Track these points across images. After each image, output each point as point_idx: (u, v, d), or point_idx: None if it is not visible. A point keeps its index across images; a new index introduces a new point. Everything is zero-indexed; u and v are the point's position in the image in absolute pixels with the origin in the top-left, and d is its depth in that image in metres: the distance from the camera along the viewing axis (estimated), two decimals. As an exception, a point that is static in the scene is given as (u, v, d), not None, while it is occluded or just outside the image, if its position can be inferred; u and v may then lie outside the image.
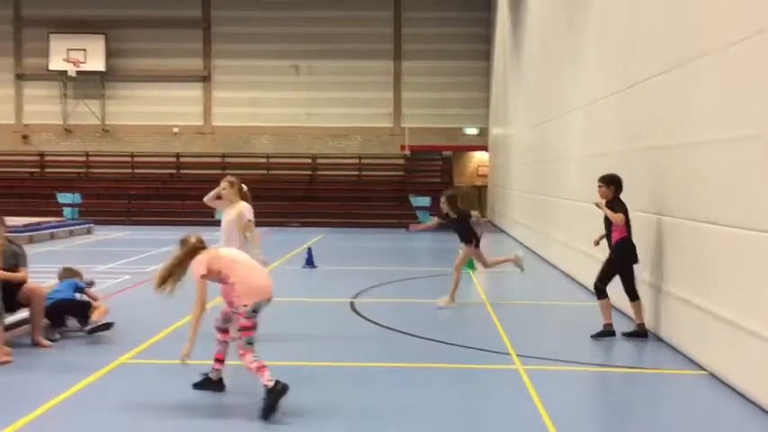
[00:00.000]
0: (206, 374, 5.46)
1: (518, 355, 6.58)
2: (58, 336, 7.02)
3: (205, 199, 7.38)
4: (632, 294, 7.35)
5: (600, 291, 7.36)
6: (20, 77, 26.82)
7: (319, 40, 26.30)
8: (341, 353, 6.73)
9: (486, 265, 9.54)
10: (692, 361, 6.34)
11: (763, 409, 5.06)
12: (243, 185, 7.19)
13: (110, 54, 26.19)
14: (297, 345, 7.04)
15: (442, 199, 9.49)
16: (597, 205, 7.48)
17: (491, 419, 5.04)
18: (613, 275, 7.35)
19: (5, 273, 6.57)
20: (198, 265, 5.10)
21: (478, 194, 28.61)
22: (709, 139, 6.11)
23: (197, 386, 5.45)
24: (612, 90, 9.12)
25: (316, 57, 26.41)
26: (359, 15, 26.29)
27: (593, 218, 9.96)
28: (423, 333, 7.46)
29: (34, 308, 6.76)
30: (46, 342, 6.78)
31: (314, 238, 18.29)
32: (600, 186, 7.50)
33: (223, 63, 26.61)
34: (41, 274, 8.71)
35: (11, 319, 7.06)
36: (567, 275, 11.50)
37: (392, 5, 26.58)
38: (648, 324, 7.46)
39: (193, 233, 5.35)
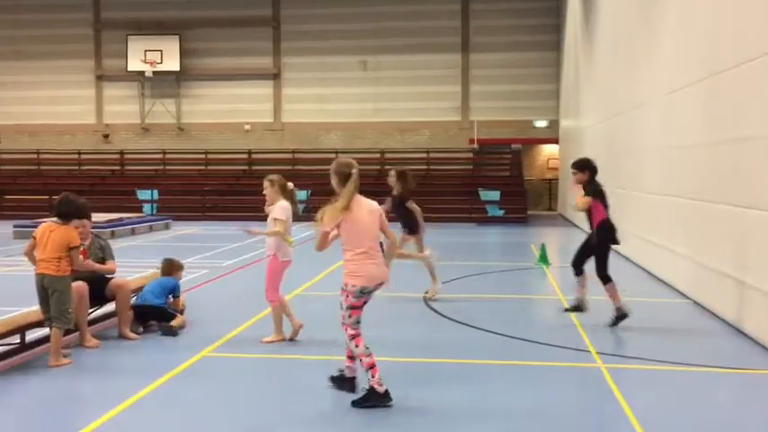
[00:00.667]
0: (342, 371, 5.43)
1: (598, 353, 6.46)
2: (141, 329, 7.27)
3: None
4: (605, 277, 7.35)
5: (604, 277, 7.36)
6: (100, 78, 27.91)
7: (386, 35, 26.38)
8: (419, 350, 6.75)
9: (405, 256, 9.11)
10: (783, 361, 6.09)
11: None
12: (288, 183, 7.03)
13: (184, 54, 26.96)
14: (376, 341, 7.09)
15: (392, 172, 9.42)
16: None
17: (576, 418, 4.96)
18: (607, 257, 7.37)
19: (96, 264, 6.87)
20: (334, 213, 5.10)
21: (549, 188, 28.18)
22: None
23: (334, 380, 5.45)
24: (693, 80, 8.82)
25: (383, 52, 26.50)
26: (426, 9, 26.23)
27: (674, 212, 9.70)
28: (500, 330, 7.40)
29: (121, 302, 7.03)
30: (132, 334, 7.04)
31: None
32: (574, 173, 7.52)
33: (292, 60, 27.02)
34: (125, 268, 9.05)
35: (99, 311, 7.40)
36: (646, 271, 11.20)
37: (460, -2, 26.41)
38: (732, 317, 7.21)
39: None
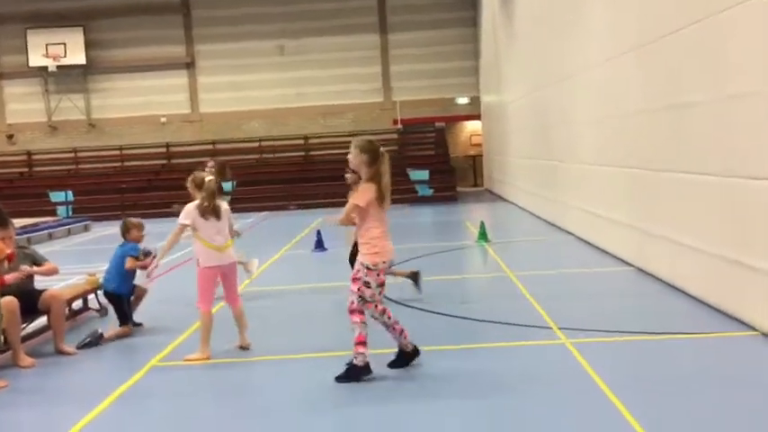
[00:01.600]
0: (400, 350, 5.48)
1: (560, 328, 6.40)
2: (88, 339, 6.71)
3: None
4: None
5: None
6: (0, 76, 26.20)
7: (303, 18, 25.83)
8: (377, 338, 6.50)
9: None
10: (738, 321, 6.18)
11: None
12: (199, 176, 6.33)
13: (89, 46, 25.63)
14: (331, 333, 6.81)
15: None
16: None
17: (551, 397, 4.84)
18: None
19: (35, 268, 6.41)
20: (368, 191, 5.20)
21: (473, 164, 28.39)
22: (746, 91, 5.87)
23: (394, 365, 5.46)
24: (627, 48, 8.86)
25: (300, 35, 25.95)
26: (342, -10, 25.81)
27: (611, 181, 9.78)
28: (453, 311, 7.25)
29: (56, 314, 6.48)
30: (70, 349, 6.52)
31: (315, 220, 18.02)
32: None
33: (206, 48, 26.12)
34: (51, 277, 8.39)
35: (32, 326, 6.82)
36: (586, 241, 11.32)
37: (375, -22, 26.10)
38: (676, 281, 7.31)
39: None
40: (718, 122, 6.48)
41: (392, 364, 5.47)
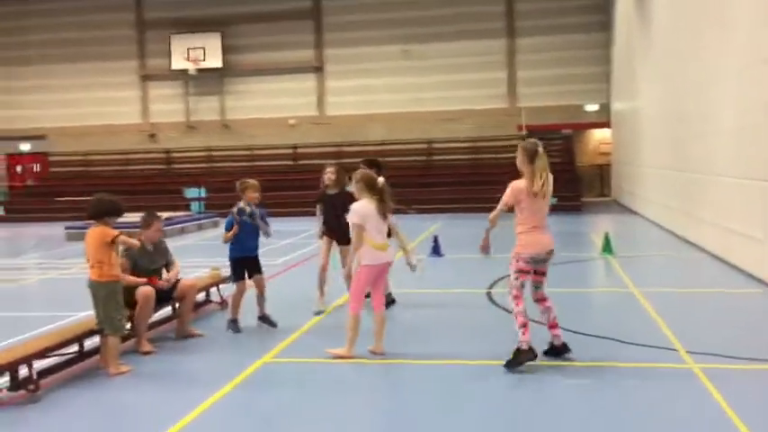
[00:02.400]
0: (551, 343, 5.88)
1: (688, 352, 5.96)
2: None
3: None
4: None
5: None
6: (145, 78, 28.04)
7: (429, 23, 25.89)
8: (488, 350, 6.33)
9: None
10: None
11: None
12: (368, 175, 6.35)
13: (226, 50, 26.91)
14: (444, 341, 6.71)
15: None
16: None
17: (676, 425, 4.50)
18: None
19: (165, 275, 6.77)
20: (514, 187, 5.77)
21: (600, 173, 27.36)
22: None
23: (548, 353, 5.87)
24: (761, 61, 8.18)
25: (426, 40, 26.02)
26: (470, -6, 25.66)
27: (751, 195, 9.06)
28: (574, 327, 6.93)
29: (188, 302, 6.90)
30: (198, 331, 6.89)
31: (433, 225, 18.00)
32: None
33: (334, 52, 26.73)
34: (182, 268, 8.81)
35: (160, 313, 7.18)
36: (720, 259, 10.56)
37: (504, -19, 25.75)
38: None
39: None
40: None
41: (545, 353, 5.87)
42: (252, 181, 7.23)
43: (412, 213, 22.33)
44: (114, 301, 5.79)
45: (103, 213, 5.80)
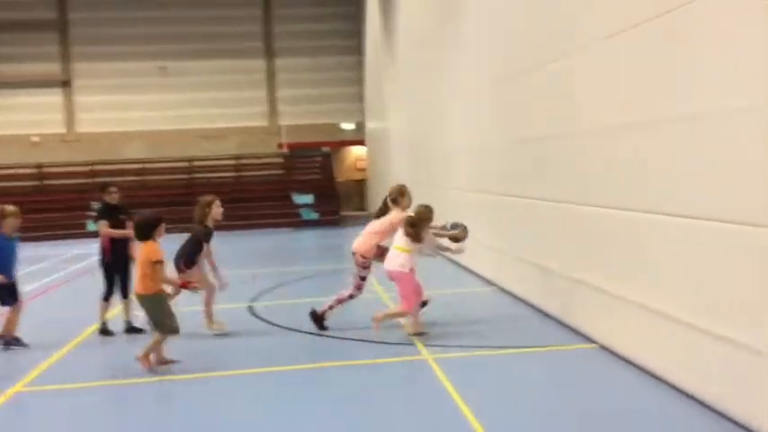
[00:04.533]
0: None
1: (424, 345, 6.77)
2: None
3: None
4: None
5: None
6: None
7: (187, 41, 25.60)
8: (246, 359, 6.65)
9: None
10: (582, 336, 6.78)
11: (649, 373, 5.51)
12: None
13: (-45, 60, 24.26)
14: (206, 355, 6.88)
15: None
16: None
17: (411, 409, 5.17)
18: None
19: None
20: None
21: (359, 188, 28.90)
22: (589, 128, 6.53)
23: None
24: (487, 83, 9.52)
25: (184, 57, 25.69)
26: (228, 14, 25.82)
27: (481, 207, 10.39)
28: (327, 332, 7.50)
29: None
30: None
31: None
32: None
33: (84, 66, 25.32)
34: None
35: None
36: (458, 264, 11.88)
37: (261, 3, 26.29)
38: (536, 301, 7.90)
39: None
40: (567, 155, 7.13)
41: None
42: (11, 208, 7.26)
43: (176, 232, 21.81)
44: (157, 311, 6.30)
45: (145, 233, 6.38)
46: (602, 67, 6.23)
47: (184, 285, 6.88)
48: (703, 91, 4.72)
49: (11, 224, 7.20)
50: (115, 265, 7.82)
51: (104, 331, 7.78)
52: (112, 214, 7.88)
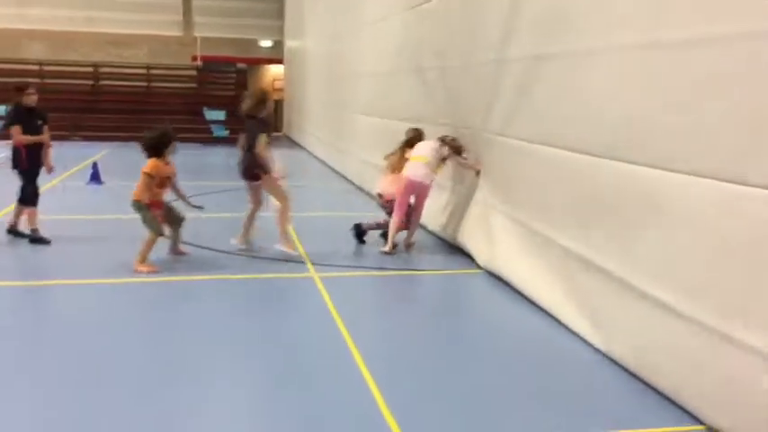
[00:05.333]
0: None
1: (313, 264, 6.90)
2: None
3: None
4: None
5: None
6: None
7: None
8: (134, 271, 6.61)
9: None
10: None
11: (519, 293, 5.85)
12: None
13: None
14: (96, 263, 6.79)
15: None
16: None
17: (289, 321, 5.31)
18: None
19: None
20: None
21: (275, 108, 28.39)
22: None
23: None
24: (400, 8, 9.45)
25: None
26: None
27: (385, 133, 10.45)
28: (225, 248, 7.51)
29: None
30: None
31: (99, 153, 17.28)
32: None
33: (-19, -47, 23.42)
34: None
35: None
36: (361, 189, 12.00)
37: None
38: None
39: None
40: (460, 82, 7.24)
41: None
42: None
43: (77, 140, 20.97)
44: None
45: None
46: None
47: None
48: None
49: None
50: (33, 172, 7.52)
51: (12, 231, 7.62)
52: (28, 118, 7.47)
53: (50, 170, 7.72)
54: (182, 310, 5.48)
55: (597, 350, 4.71)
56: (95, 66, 24.25)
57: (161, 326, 5.15)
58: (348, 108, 13.44)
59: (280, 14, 26.16)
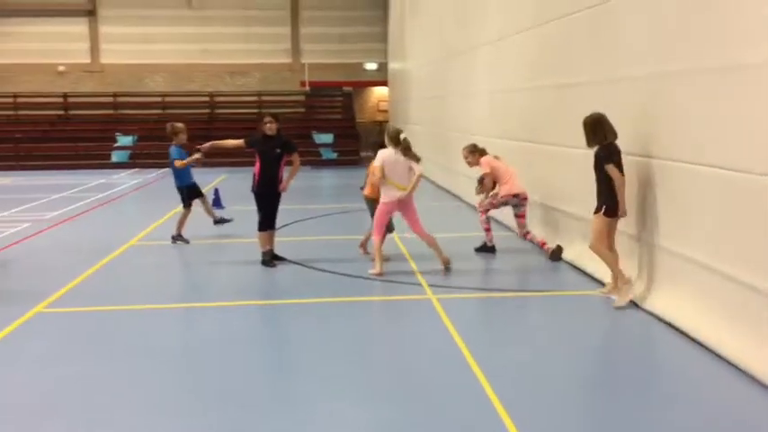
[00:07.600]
0: None
1: (429, 285, 6.99)
2: None
3: None
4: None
5: None
6: None
7: (213, -28, 25.34)
8: (265, 292, 6.92)
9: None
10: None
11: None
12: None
13: (-19, -14, 24.27)
14: (213, 289, 7.16)
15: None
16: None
17: (412, 346, 5.41)
18: None
19: None
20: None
21: (380, 129, 28.86)
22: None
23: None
24: (520, 28, 9.47)
25: (210, -10, 25.47)
26: (253, -54, 25.46)
27: (496, 151, 10.45)
28: (341, 269, 7.73)
29: None
30: None
31: (217, 177, 18.12)
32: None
33: (109, -5, 25.24)
34: None
35: None
36: (474, 208, 12.01)
37: (288, -63, 25.86)
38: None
39: None
40: (596, 102, 7.17)
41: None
42: (179, 125, 9.47)
43: (198, 166, 22.05)
44: None
45: None
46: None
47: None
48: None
49: (182, 138, 9.36)
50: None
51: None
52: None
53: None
54: (309, 330, 5.69)
55: None
56: (211, 95, 25.53)
57: (295, 344, 5.37)
58: (455, 127, 13.52)
59: (384, 37, 26.67)
